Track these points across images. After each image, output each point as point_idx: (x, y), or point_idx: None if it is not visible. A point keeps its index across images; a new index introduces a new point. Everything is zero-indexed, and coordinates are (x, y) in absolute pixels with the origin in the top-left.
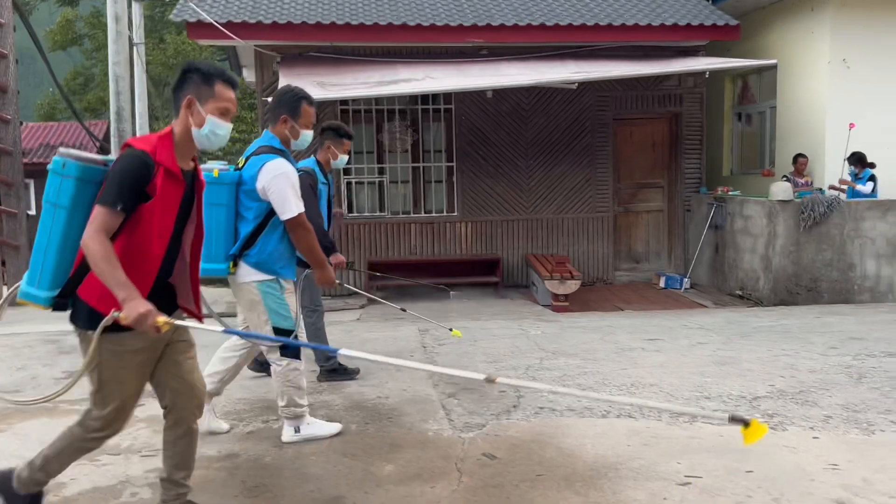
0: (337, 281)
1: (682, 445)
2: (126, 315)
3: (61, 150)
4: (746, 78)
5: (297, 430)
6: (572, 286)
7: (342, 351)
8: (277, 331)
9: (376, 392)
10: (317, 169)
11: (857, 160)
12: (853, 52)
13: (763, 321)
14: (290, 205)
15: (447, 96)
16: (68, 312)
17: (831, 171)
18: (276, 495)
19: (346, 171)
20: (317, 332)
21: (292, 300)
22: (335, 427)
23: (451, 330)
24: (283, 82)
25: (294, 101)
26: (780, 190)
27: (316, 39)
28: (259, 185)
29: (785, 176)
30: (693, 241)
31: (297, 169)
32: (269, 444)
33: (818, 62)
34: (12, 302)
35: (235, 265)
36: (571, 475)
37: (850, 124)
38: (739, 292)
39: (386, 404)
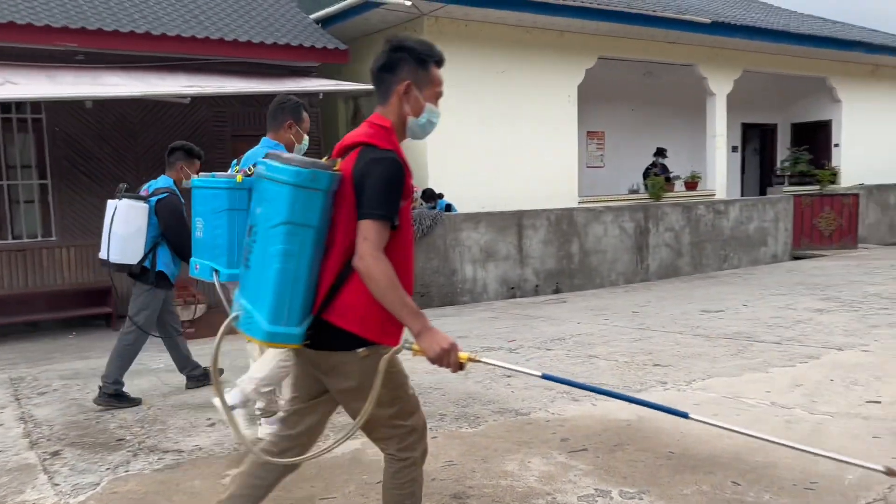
0: None
1: (318, 466)
2: (426, 349)
3: (286, 155)
4: (358, 100)
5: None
6: (199, 310)
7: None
8: None
9: None
10: (176, 189)
11: (429, 196)
12: (445, 81)
13: None
14: None
15: (35, 105)
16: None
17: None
18: None
19: None
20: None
21: None
22: None
23: None
24: None
25: (296, 107)
26: None
27: None
28: None
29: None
30: None
31: (163, 189)
32: None
33: None
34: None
35: None
36: None
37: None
38: None
39: None
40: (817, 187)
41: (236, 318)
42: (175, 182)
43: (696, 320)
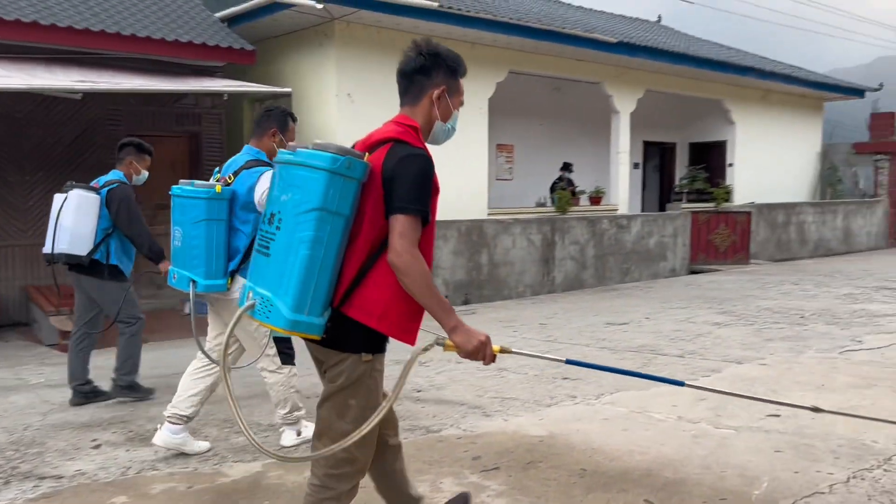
0: None
1: (216, 492)
2: (462, 344)
3: (321, 143)
4: (265, 102)
5: (298, 434)
6: None
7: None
8: (278, 341)
9: None
10: (127, 182)
11: None
12: (357, 86)
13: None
14: None
15: None
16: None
17: None
18: None
19: None
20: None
21: None
22: None
23: None
24: None
25: (283, 116)
26: None
27: None
28: (257, 196)
29: None
30: None
31: (114, 181)
32: None
33: (327, 94)
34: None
35: (232, 281)
36: None
37: None
38: None
39: None
40: (713, 205)
41: (252, 306)
42: (126, 177)
43: (601, 333)
